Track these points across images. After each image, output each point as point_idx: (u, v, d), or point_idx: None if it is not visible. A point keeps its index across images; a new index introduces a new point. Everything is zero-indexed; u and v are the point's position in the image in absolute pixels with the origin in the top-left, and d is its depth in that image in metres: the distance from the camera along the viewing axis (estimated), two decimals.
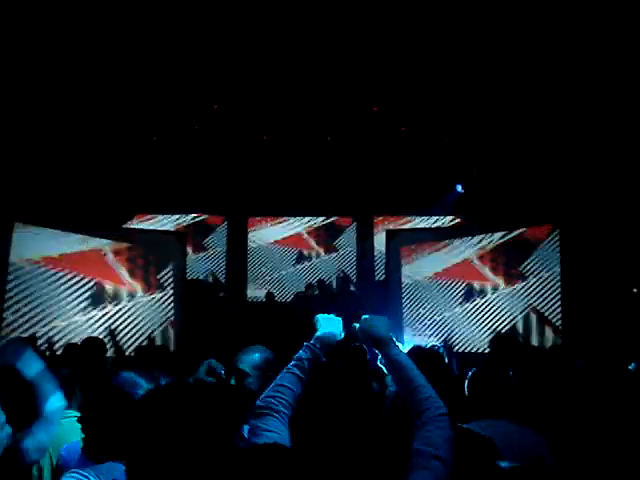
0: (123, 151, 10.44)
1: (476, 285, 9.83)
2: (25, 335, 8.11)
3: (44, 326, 8.74)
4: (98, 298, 9.35)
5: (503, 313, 9.53)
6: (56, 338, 8.68)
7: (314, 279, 11.54)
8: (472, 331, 9.61)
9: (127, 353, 7.60)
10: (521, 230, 9.69)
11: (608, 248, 8.95)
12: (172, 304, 10.11)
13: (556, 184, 9.40)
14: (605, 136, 8.72)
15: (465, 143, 10.46)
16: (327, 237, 12.51)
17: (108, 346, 5.75)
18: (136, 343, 9.01)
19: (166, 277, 10.12)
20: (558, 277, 9.23)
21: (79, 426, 2.38)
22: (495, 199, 10.55)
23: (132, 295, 9.70)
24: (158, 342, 9.41)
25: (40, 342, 7.94)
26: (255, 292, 11.98)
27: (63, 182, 9.77)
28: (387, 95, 9.57)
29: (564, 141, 9.12)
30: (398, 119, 10.29)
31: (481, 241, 9.90)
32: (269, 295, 10.96)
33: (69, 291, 9.11)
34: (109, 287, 9.53)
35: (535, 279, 9.42)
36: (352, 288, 11.34)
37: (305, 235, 12.52)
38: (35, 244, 8.99)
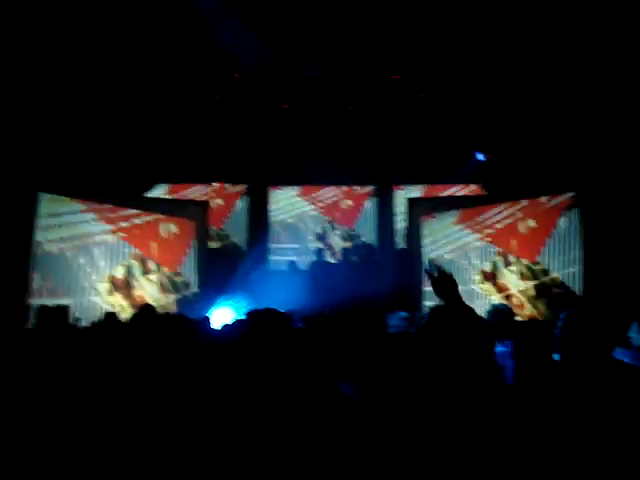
0: (145, 122, 10.51)
1: (497, 253, 9.86)
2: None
3: (70, 295, 8.95)
4: (122, 266, 9.53)
5: (524, 282, 9.57)
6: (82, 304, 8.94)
7: (335, 248, 11.61)
8: (493, 299, 9.68)
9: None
10: (541, 198, 9.67)
11: (631, 217, 8.90)
12: (195, 272, 10.29)
13: (577, 152, 9.33)
14: (628, 104, 8.62)
15: (486, 111, 10.40)
16: (347, 206, 12.54)
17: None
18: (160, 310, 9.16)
19: (189, 246, 10.27)
20: (580, 246, 9.21)
21: None
22: (515, 167, 10.50)
23: (155, 264, 9.87)
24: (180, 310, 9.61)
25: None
26: (277, 261, 12.08)
27: (85, 152, 9.87)
28: (408, 63, 9.54)
29: (585, 109, 9.03)
30: (418, 87, 10.25)
31: (501, 210, 9.91)
32: (291, 264, 11.07)
33: (94, 259, 9.28)
34: (132, 255, 9.70)
35: (556, 248, 9.42)
36: (373, 257, 11.40)
37: (326, 204, 12.57)
38: (60, 213, 9.16)
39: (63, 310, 4.21)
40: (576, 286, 9.19)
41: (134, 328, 4.20)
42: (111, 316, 4.99)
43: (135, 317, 4.30)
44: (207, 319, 6.73)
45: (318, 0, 8.20)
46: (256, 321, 3.32)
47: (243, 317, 3.57)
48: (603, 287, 8.60)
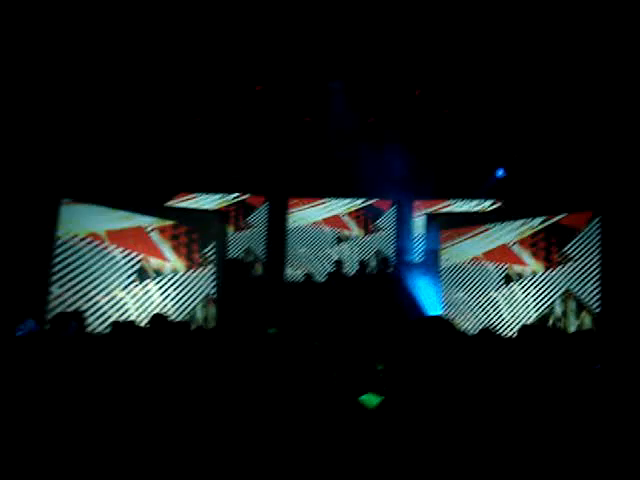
0: (168, 131, 10.63)
1: (515, 270, 9.80)
2: (70, 309, 8.44)
3: (88, 301, 9.02)
4: (140, 274, 9.60)
5: (541, 298, 9.50)
6: (99, 313, 9.01)
7: (353, 260, 11.64)
8: (510, 315, 9.62)
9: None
10: (561, 216, 9.60)
11: None
12: (213, 282, 10.34)
13: (598, 170, 9.28)
14: None
15: (507, 127, 10.38)
16: (366, 219, 12.57)
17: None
18: (178, 319, 9.23)
19: (208, 255, 10.34)
20: (598, 264, 9.13)
21: None
22: (536, 184, 10.46)
23: (174, 272, 9.94)
24: (199, 319, 9.67)
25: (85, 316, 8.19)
26: (294, 272, 12.14)
27: (109, 160, 10.00)
28: (430, 78, 9.57)
29: (607, 127, 8.99)
30: (440, 102, 10.27)
31: (521, 226, 9.86)
32: (307, 275, 11.09)
33: (113, 267, 9.35)
34: (152, 264, 9.77)
35: (574, 266, 9.35)
36: (390, 270, 11.39)
37: (344, 216, 12.60)
38: (81, 220, 9.26)
39: (77, 316, 4.27)
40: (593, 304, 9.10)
41: (146, 336, 4.25)
42: (122, 325, 5.04)
43: (147, 326, 4.36)
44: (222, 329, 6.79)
45: (344, 14, 8.27)
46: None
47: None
48: (621, 309, 8.51)
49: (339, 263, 11.03)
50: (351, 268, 11.41)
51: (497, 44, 8.28)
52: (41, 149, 8.71)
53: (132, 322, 5.76)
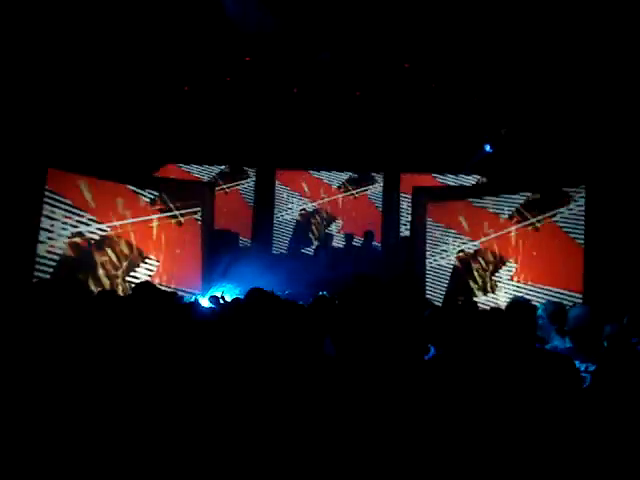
0: (155, 101, 10.53)
1: (502, 244, 9.85)
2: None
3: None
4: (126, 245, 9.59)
5: (524, 275, 9.56)
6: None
7: (339, 234, 11.67)
8: (499, 289, 9.70)
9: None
10: (547, 191, 9.62)
11: (636, 212, 8.83)
12: (200, 253, 10.35)
13: (585, 145, 9.28)
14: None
15: (495, 102, 10.36)
16: (353, 193, 12.58)
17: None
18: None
19: (195, 226, 10.33)
20: (582, 238, 9.17)
21: None
22: (523, 159, 10.48)
23: (160, 243, 9.94)
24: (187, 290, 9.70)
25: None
26: (281, 244, 12.17)
27: (96, 130, 9.91)
28: (419, 51, 9.51)
29: (595, 102, 8.97)
30: (429, 76, 10.22)
31: (507, 200, 9.89)
32: (294, 249, 11.14)
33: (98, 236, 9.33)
34: (139, 235, 9.74)
35: (560, 240, 9.38)
36: (376, 244, 11.44)
37: (331, 190, 12.60)
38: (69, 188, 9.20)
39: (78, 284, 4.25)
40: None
41: (133, 303, 4.27)
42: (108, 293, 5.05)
43: (134, 293, 4.37)
44: (196, 302, 6.86)
45: None
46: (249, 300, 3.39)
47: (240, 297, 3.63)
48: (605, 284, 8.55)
49: (327, 237, 11.07)
50: (338, 242, 11.46)
51: (486, 19, 8.24)
52: (27, 118, 8.61)
53: (114, 292, 5.78)
